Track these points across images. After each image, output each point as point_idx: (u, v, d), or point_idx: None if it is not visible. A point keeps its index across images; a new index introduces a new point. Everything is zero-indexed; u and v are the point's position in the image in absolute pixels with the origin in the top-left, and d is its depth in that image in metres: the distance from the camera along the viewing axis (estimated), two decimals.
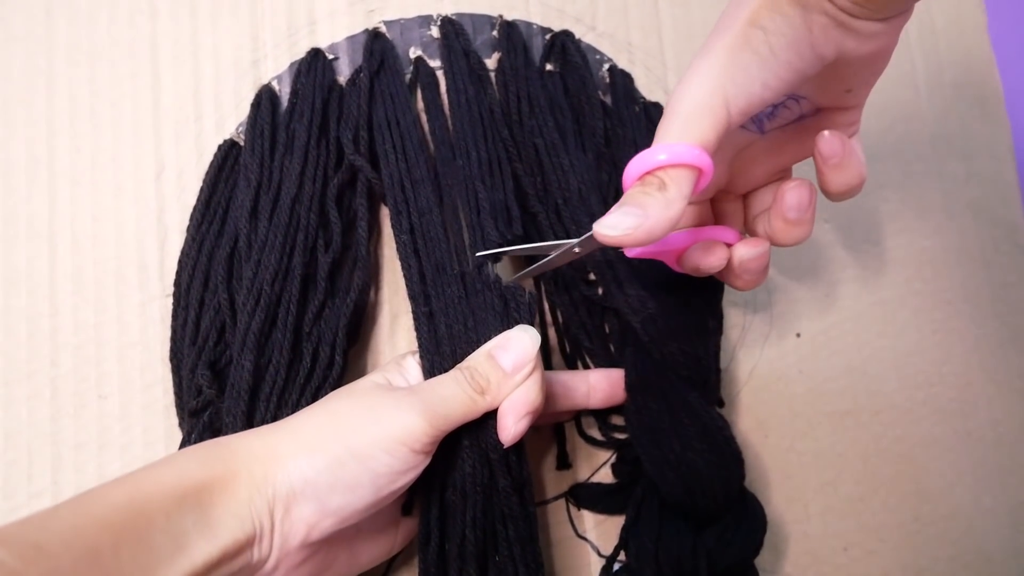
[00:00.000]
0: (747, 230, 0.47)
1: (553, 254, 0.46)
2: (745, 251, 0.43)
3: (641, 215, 0.35)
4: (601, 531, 0.54)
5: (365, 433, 0.39)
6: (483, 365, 0.42)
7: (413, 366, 0.46)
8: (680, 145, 0.36)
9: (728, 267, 0.44)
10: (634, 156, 0.37)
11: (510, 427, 0.41)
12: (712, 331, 0.51)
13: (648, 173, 0.36)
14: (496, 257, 0.48)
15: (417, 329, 0.46)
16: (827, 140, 0.40)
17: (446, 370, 0.44)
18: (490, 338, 0.44)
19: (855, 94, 0.40)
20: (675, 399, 0.48)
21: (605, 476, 0.55)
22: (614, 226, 0.36)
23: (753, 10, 0.35)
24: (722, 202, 0.47)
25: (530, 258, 0.50)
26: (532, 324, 0.44)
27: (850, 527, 0.57)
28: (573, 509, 0.54)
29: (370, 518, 0.41)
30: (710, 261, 0.44)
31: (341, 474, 0.38)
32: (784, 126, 0.43)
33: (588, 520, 0.54)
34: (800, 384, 0.58)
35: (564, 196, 0.53)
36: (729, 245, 0.44)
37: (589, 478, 0.55)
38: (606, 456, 0.55)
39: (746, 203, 0.47)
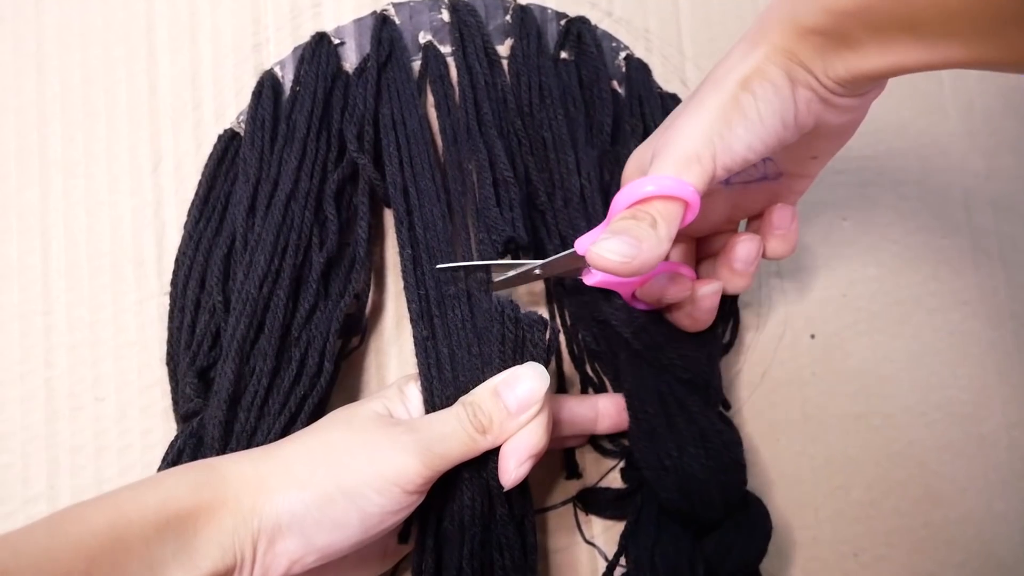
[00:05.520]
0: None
1: (511, 272, 0.43)
2: (704, 288, 0.43)
3: (637, 246, 0.34)
4: (609, 536, 0.50)
5: (358, 471, 0.35)
6: (487, 402, 0.38)
7: (415, 395, 0.41)
8: (668, 178, 0.35)
9: (683, 303, 0.44)
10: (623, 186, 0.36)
11: (511, 471, 0.38)
12: (715, 334, 0.47)
13: (637, 203, 0.35)
14: (456, 270, 0.44)
15: (417, 355, 0.42)
16: (780, 212, 0.43)
17: (447, 397, 0.40)
18: (496, 368, 0.39)
19: (818, 162, 0.41)
20: (672, 403, 0.44)
21: (614, 481, 0.51)
22: (613, 251, 0.34)
23: (746, 74, 0.35)
24: (675, 239, 0.46)
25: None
26: (547, 362, 0.40)
27: (860, 532, 0.53)
28: (581, 514, 0.51)
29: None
30: (675, 291, 0.43)
31: (330, 511, 0.34)
32: (747, 182, 0.43)
33: (596, 525, 0.50)
34: (813, 387, 0.54)
35: (565, 197, 0.48)
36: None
37: (597, 483, 0.51)
38: (614, 461, 0.51)
39: (696, 246, 0.47)
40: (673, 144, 0.35)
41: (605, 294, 0.45)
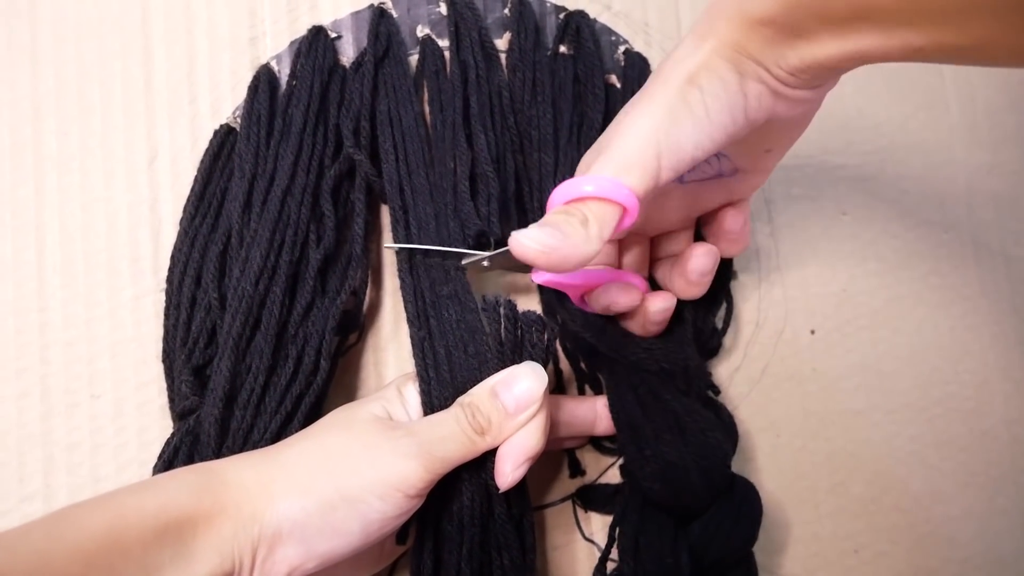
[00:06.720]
0: (652, 273, 0.47)
1: (465, 261, 0.43)
2: (656, 304, 0.42)
3: (560, 238, 0.32)
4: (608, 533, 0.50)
5: (359, 477, 0.35)
6: (485, 403, 0.37)
7: (413, 395, 0.41)
8: (607, 180, 0.33)
9: (634, 313, 0.43)
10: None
11: (508, 473, 0.37)
12: (681, 318, 0.46)
13: (573, 201, 0.34)
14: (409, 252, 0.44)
15: (415, 356, 0.41)
16: (732, 218, 0.43)
17: (445, 398, 0.39)
18: (493, 368, 0.39)
19: (773, 155, 0.40)
20: (645, 392, 0.44)
21: (613, 478, 0.50)
22: (533, 239, 0.32)
23: (692, 69, 0.34)
24: (629, 240, 0.45)
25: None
26: (545, 362, 0.39)
27: (861, 528, 0.52)
28: (580, 511, 0.50)
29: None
30: (623, 301, 0.42)
31: (331, 519, 0.34)
32: (702, 180, 0.42)
33: (595, 522, 0.50)
34: (813, 382, 0.54)
35: (541, 198, 0.47)
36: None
37: (596, 480, 0.50)
38: (613, 458, 0.51)
39: (652, 244, 0.46)
40: (617, 143, 0.34)
41: (560, 298, 0.45)
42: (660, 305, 0.42)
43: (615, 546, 0.46)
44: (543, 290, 0.50)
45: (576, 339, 0.47)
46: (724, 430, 0.45)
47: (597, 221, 0.33)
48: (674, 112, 0.34)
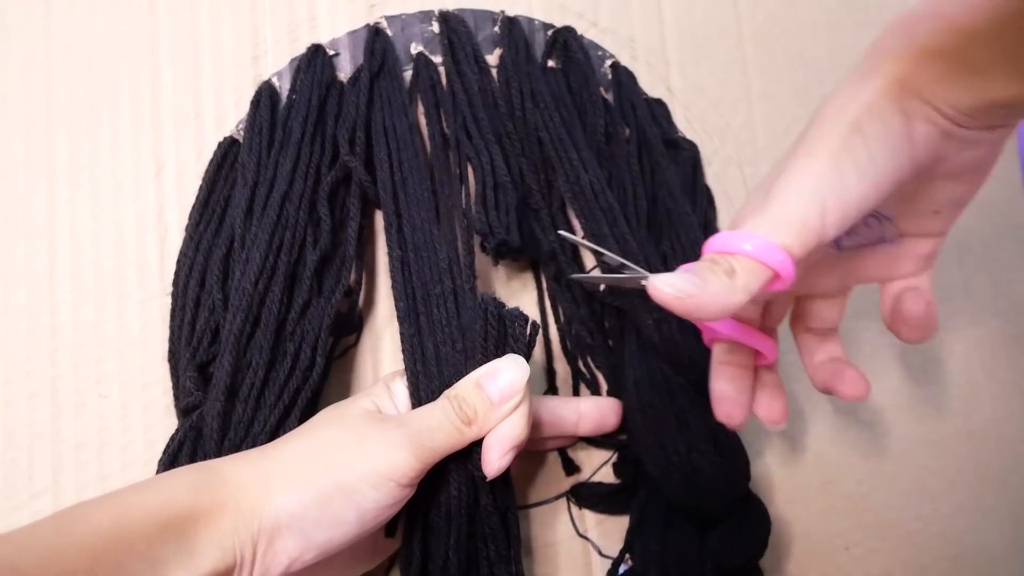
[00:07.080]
0: (791, 325, 0.44)
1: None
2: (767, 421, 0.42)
3: (699, 287, 0.30)
4: (602, 530, 0.50)
5: (354, 468, 0.36)
6: (471, 394, 0.39)
7: (401, 390, 0.42)
8: (764, 242, 0.31)
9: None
10: (715, 235, 0.33)
11: (494, 461, 0.39)
12: None
13: (727, 253, 0.32)
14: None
15: (403, 352, 0.43)
16: (911, 301, 0.38)
17: (432, 392, 0.41)
18: (479, 362, 0.40)
19: (942, 217, 0.36)
20: (682, 401, 0.45)
21: (606, 476, 0.51)
22: (669, 284, 0.30)
23: (855, 114, 0.31)
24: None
25: None
26: (528, 355, 0.41)
27: (851, 526, 0.53)
28: (574, 508, 0.51)
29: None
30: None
31: (328, 509, 0.35)
32: (862, 246, 0.38)
33: (589, 519, 0.51)
34: (802, 383, 0.54)
35: (573, 191, 0.49)
36: (759, 355, 0.41)
37: (590, 478, 0.52)
38: (607, 455, 0.52)
39: (799, 304, 0.43)
40: (779, 199, 0.32)
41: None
42: (769, 423, 0.42)
43: (628, 554, 0.47)
44: (548, 287, 0.52)
45: (628, 325, 0.48)
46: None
47: (745, 274, 0.31)
48: (838, 162, 0.31)
